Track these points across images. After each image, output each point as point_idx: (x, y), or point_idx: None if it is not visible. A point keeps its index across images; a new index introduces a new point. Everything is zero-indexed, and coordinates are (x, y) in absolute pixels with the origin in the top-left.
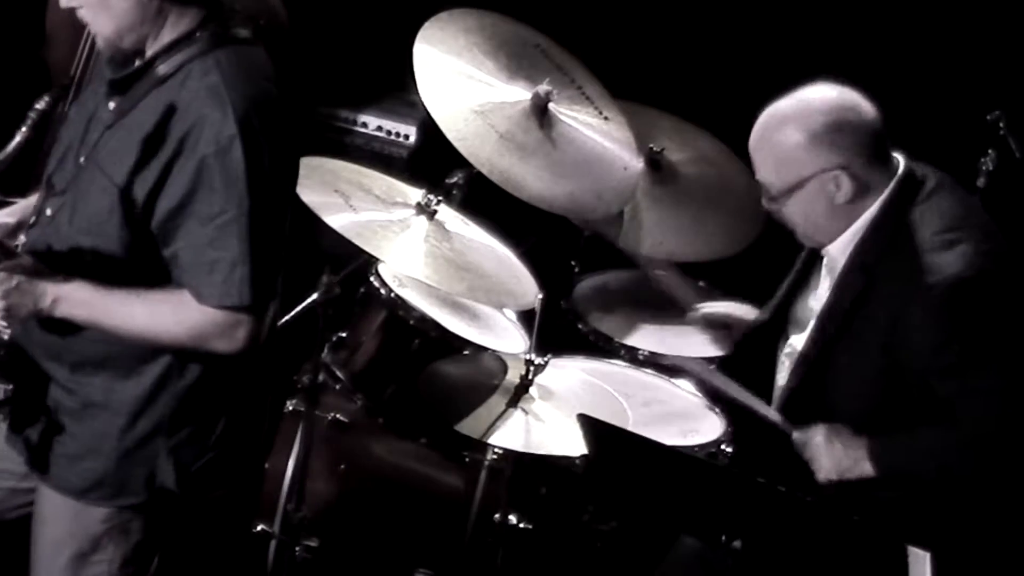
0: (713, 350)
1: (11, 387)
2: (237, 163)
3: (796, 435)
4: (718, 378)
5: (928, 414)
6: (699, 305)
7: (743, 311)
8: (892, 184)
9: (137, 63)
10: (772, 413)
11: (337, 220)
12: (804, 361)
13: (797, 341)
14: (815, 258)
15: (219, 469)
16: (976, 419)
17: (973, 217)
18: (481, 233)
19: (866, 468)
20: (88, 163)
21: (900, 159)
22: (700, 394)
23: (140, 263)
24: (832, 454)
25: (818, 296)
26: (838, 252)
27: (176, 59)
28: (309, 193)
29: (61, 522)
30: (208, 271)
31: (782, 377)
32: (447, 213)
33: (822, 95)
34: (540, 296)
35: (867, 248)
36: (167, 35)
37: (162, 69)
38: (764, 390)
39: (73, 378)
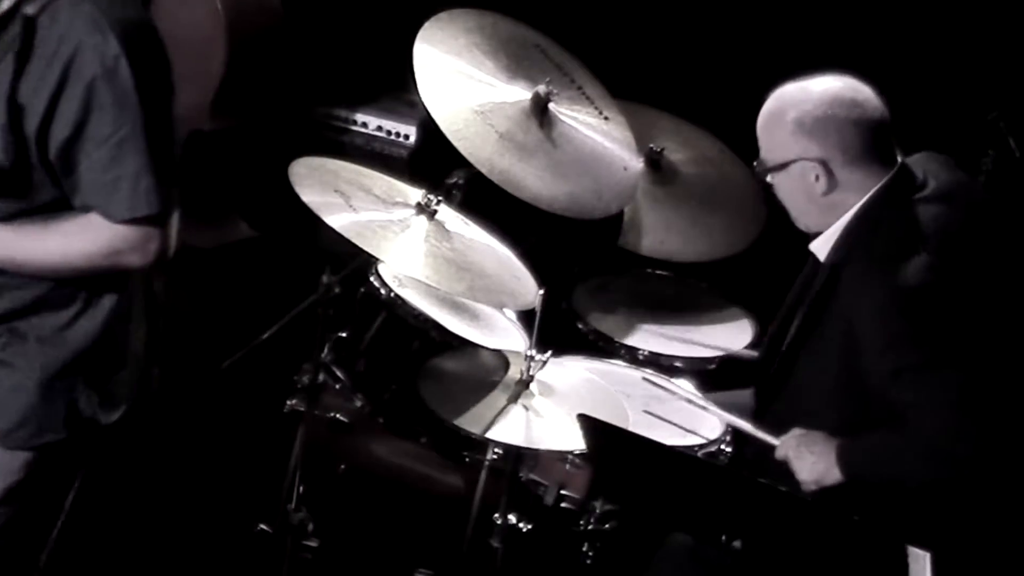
0: (713, 351)
1: None
2: (126, 80)
3: (777, 447)
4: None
5: (889, 417)
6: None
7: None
8: (877, 187)
9: (5, 4)
10: (757, 431)
11: (337, 220)
12: (770, 365)
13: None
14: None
15: (125, 391)
16: (922, 430)
17: (949, 231)
18: (481, 233)
19: (835, 475)
20: None
21: (902, 160)
22: (700, 394)
23: (37, 196)
24: (804, 462)
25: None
26: (819, 248)
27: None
28: (309, 193)
29: None
30: (113, 188)
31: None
32: (447, 213)
33: (824, 86)
34: (541, 292)
35: (840, 247)
36: None
37: (29, 9)
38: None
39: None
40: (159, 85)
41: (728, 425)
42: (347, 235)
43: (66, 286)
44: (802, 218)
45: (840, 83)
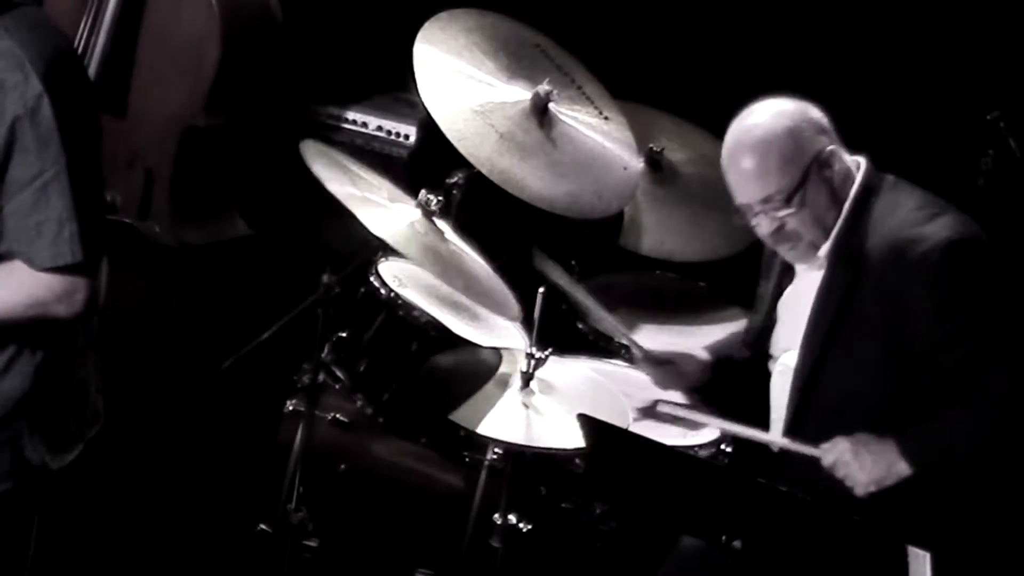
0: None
1: None
2: (48, 120)
3: (824, 456)
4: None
5: (941, 395)
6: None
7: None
8: (862, 172)
9: None
10: (778, 439)
11: (340, 190)
12: (800, 375)
13: (788, 358)
14: (785, 274)
15: (73, 432)
16: (992, 383)
17: (939, 199)
18: (465, 248)
19: (902, 469)
20: None
21: (859, 158)
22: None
23: None
24: (863, 466)
25: (802, 306)
26: (820, 255)
27: None
28: (318, 167)
29: None
30: (36, 234)
31: (780, 395)
32: (443, 224)
33: (773, 106)
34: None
35: (846, 242)
36: None
37: None
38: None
39: None
40: (84, 124)
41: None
42: (348, 205)
43: None
44: (822, 230)
45: (771, 101)
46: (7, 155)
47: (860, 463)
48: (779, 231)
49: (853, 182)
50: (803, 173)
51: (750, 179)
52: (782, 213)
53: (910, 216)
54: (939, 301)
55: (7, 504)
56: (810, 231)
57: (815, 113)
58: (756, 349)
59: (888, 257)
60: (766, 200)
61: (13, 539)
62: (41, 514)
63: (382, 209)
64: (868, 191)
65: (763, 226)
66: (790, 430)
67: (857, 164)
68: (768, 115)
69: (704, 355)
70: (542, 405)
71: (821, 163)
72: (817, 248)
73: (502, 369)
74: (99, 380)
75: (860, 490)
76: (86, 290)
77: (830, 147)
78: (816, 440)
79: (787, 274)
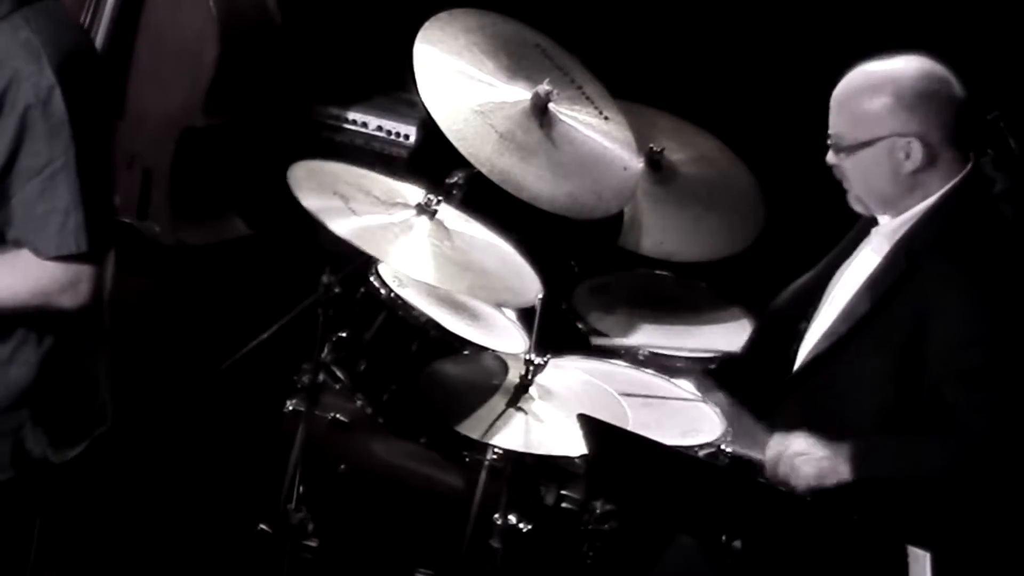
0: (713, 350)
1: None
2: (59, 111)
3: (768, 450)
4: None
5: (927, 421)
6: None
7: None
8: (960, 175)
9: None
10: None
11: (338, 224)
12: (827, 339)
13: (824, 319)
14: (854, 243)
15: (79, 428)
16: (969, 434)
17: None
18: (482, 230)
19: (843, 472)
20: None
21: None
22: (700, 394)
23: None
24: (814, 459)
25: (850, 282)
26: (888, 232)
27: None
28: (309, 197)
29: None
30: (42, 223)
31: (803, 352)
32: (448, 212)
33: (917, 63)
34: (540, 296)
35: (919, 234)
36: None
37: None
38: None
39: None
40: (95, 117)
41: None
42: (348, 239)
43: (3, 321)
44: (872, 199)
45: (929, 61)
46: (18, 144)
47: (809, 457)
48: (835, 166)
49: (947, 180)
50: (870, 140)
51: (832, 107)
52: (834, 158)
53: (983, 240)
54: (972, 331)
55: (6, 494)
56: (856, 187)
57: (939, 94)
58: (792, 308)
59: (945, 268)
60: (831, 136)
61: (13, 530)
62: (41, 507)
63: (381, 225)
64: (961, 194)
65: (829, 154)
66: (791, 394)
67: (963, 164)
68: (894, 70)
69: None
70: (541, 411)
71: (896, 144)
72: (865, 207)
73: (502, 375)
74: (109, 379)
75: (802, 484)
76: (90, 281)
77: (915, 135)
78: (811, 412)
79: (851, 246)
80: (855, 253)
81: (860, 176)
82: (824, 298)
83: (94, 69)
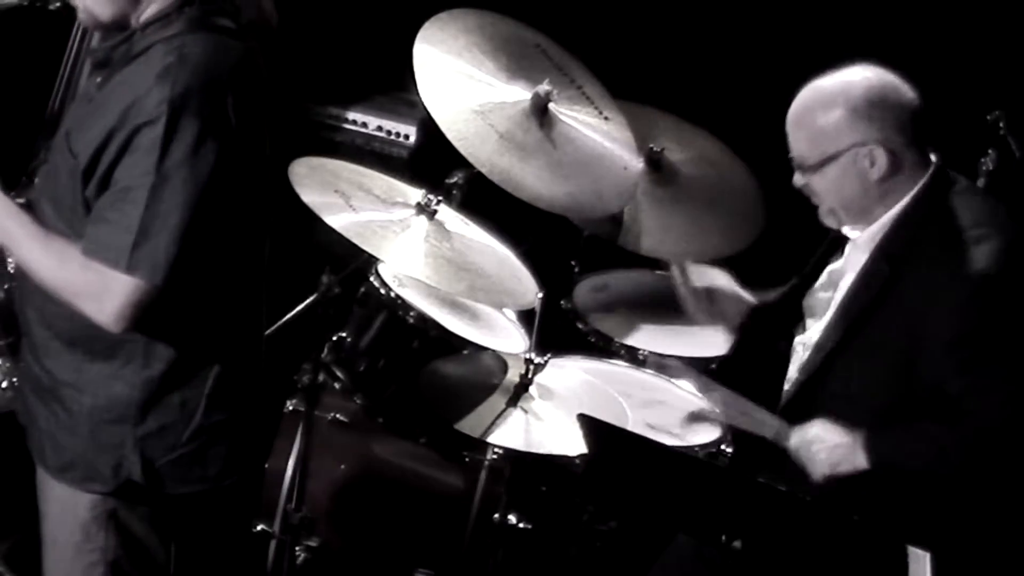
0: (713, 350)
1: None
2: (156, 135)
3: (793, 438)
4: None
5: (934, 414)
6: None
7: (725, 281)
8: (926, 176)
9: (117, 39)
10: (769, 419)
11: (337, 220)
12: (819, 351)
13: (814, 331)
14: (834, 248)
15: (194, 467)
16: (979, 418)
17: (1000, 217)
18: (481, 233)
19: (859, 460)
20: (62, 135)
21: (933, 156)
22: (700, 394)
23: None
24: (828, 447)
25: (839, 286)
26: (865, 241)
27: (149, 38)
28: (309, 193)
29: (52, 503)
30: (98, 226)
31: (795, 368)
32: (447, 213)
33: (863, 74)
34: (540, 296)
35: (895, 238)
36: (147, 13)
37: (136, 47)
38: (770, 385)
39: (51, 348)
40: (200, 156)
41: (730, 417)
42: (347, 235)
43: (110, 342)
44: (847, 214)
45: (873, 70)
46: (120, 156)
47: (827, 443)
48: (803, 186)
49: (914, 182)
50: (833, 154)
51: (789, 130)
52: (801, 179)
53: (959, 235)
54: (961, 327)
55: (112, 505)
56: (828, 203)
57: (890, 100)
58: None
59: (928, 268)
60: (794, 158)
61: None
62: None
63: (380, 224)
64: (930, 194)
65: (795, 176)
66: (792, 399)
67: (927, 165)
68: (843, 82)
69: (747, 296)
70: (542, 410)
71: (859, 154)
72: (840, 220)
73: (502, 374)
74: (241, 437)
75: (818, 471)
76: (119, 301)
77: (876, 142)
78: (810, 416)
79: (838, 245)
80: (838, 268)
81: (833, 190)
82: (807, 312)
83: (227, 115)
